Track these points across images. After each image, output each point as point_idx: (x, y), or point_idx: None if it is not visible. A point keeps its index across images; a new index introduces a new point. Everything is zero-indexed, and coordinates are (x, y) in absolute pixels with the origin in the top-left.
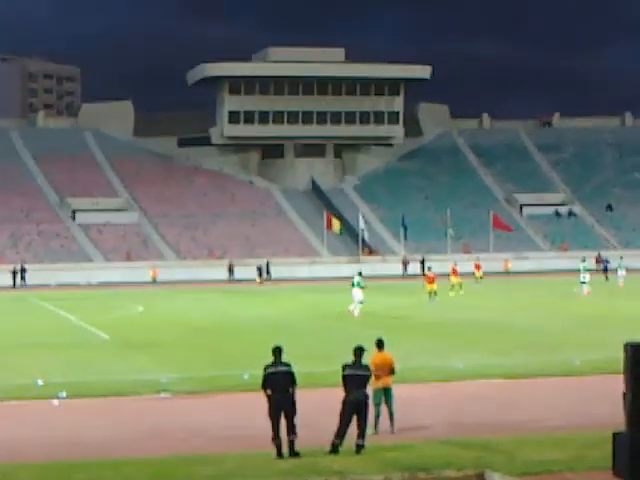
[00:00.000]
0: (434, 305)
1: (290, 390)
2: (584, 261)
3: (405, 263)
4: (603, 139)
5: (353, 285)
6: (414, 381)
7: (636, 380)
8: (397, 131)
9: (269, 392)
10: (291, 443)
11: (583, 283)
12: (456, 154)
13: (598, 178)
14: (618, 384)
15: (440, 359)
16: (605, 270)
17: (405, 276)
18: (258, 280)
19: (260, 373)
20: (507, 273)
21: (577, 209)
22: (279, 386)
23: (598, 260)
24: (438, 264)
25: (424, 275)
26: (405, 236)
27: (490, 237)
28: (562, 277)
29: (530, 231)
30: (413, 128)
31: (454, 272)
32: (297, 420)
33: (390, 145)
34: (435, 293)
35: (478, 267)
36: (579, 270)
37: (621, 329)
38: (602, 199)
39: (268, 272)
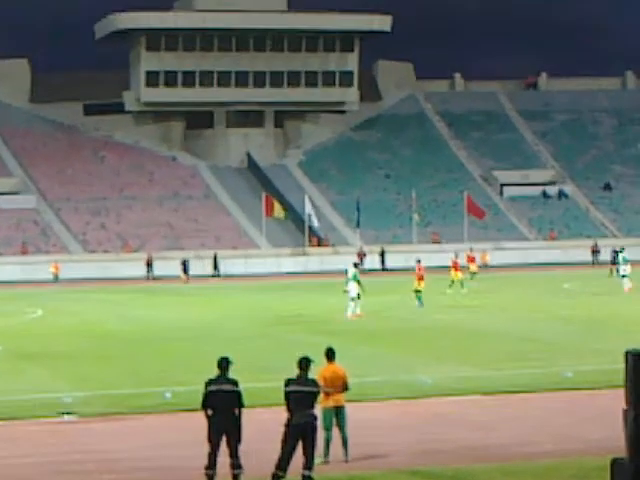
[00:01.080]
0: (410, 307)
1: (235, 412)
2: (622, 251)
3: (361, 256)
4: (600, 104)
5: (348, 280)
6: (372, 399)
7: (639, 395)
8: (351, 95)
9: (210, 412)
10: (235, 478)
11: (624, 277)
12: (423, 123)
13: (594, 151)
14: (618, 400)
15: (404, 372)
16: (613, 262)
17: (362, 271)
18: (183, 277)
19: (187, 390)
20: (485, 267)
21: (569, 189)
22: (222, 406)
23: (594, 250)
24: (401, 257)
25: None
26: (359, 223)
27: (464, 224)
28: (551, 271)
29: (512, 216)
30: (370, 91)
31: (455, 266)
32: (241, 449)
33: (342, 112)
34: (419, 292)
35: (472, 260)
36: (616, 262)
37: (622, 334)
38: (599, 177)
39: (216, 267)
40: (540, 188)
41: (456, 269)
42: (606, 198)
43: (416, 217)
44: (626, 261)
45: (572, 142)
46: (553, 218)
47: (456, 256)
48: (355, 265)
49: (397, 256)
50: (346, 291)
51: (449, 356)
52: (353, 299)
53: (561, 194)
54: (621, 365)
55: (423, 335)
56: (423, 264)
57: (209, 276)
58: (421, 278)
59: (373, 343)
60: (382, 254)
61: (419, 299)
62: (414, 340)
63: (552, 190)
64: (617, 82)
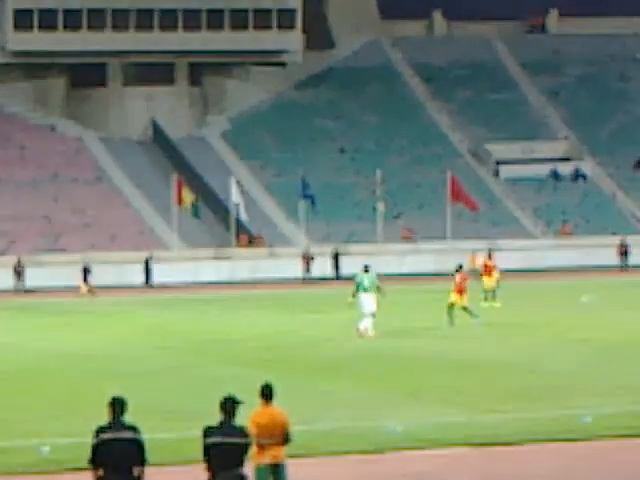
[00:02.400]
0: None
1: (135, 471)
2: None
3: (308, 259)
4: (627, 52)
5: (359, 289)
6: (322, 453)
7: None
8: (293, 42)
9: (101, 473)
10: None
11: None
12: (390, 79)
13: (621, 116)
14: None
15: (366, 416)
16: None
17: (307, 280)
18: (85, 288)
19: (70, 442)
20: (475, 272)
21: (587, 167)
22: (118, 462)
23: (622, 251)
24: (361, 260)
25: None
26: (309, 214)
27: (447, 215)
28: (564, 279)
29: (512, 204)
30: (319, 36)
31: (487, 269)
32: None
33: (281, 65)
34: (465, 309)
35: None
36: None
37: None
38: (628, 151)
39: (148, 274)
40: (549, 166)
41: (489, 273)
42: (638, 180)
43: (381, 207)
44: None
45: (592, 104)
46: (567, 207)
47: (487, 256)
48: (366, 269)
49: (356, 259)
50: (352, 303)
51: (428, 394)
52: (373, 314)
53: (577, 175)
54: None
55: (391, 366)
56: (462, 274)
57: (141, 287)
58: (461, 291)
59: (325, 377)
60: (335, 257)
61: (471, 314)
62: (381, 373)
63: (565, 169)
64: None
